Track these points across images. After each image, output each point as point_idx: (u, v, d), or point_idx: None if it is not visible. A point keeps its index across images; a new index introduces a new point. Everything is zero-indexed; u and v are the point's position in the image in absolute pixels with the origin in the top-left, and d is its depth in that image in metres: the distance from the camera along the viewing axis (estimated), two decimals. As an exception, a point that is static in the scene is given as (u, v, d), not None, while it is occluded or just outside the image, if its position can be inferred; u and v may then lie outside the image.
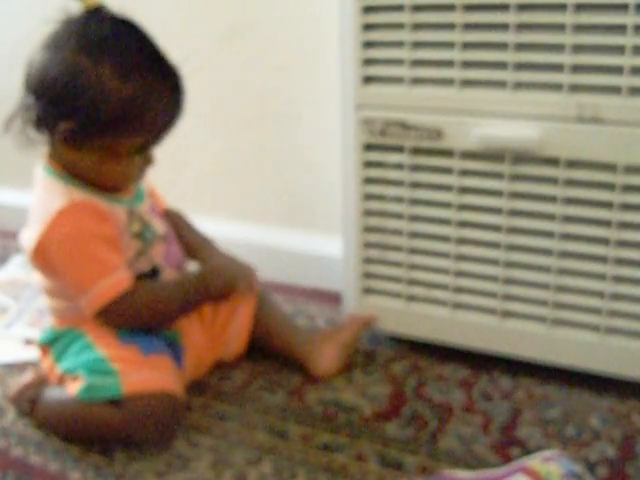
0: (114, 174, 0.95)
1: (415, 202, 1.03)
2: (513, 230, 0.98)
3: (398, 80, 0.99)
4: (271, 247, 1.37)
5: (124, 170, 0.95)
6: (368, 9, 0.98)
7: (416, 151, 1.01)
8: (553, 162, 0.93)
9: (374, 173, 1.05)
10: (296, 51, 1.27)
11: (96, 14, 0.91)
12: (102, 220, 0.94)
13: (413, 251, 1.06)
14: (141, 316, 0.96)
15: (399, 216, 1.05)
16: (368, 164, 1.05)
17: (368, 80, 1.01)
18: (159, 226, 1.03)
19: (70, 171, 0.95)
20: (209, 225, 1.19)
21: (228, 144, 1.39)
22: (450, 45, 0.95)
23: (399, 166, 1.02)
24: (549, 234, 0.96)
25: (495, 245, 1.00)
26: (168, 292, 0.98)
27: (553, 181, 0.94)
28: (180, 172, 1.39)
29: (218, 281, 1.01)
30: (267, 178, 1.37)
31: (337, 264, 1.17)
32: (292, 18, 1.25)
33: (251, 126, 1.35)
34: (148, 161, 0.97)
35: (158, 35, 0.94)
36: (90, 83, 0.88)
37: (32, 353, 1.11)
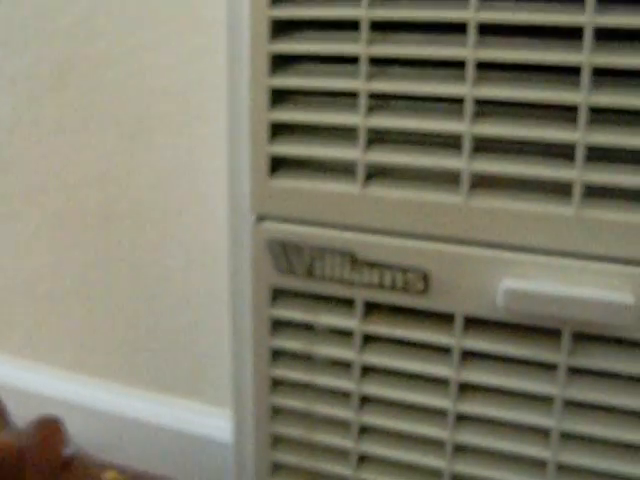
0: None
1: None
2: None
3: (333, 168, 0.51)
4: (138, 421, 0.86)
5: None
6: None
7: (378, 310, 0.52)
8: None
9: (290, 343, 0.55)
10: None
11: None
12: None
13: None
14: None
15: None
16: (277, 324, 0.55)
17: (277, 165, 0.52)
18: None
19: None
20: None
21: (56, 260, 0.86)
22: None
23: (342, 335, 0.53)
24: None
25: None
26: None
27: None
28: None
29: None
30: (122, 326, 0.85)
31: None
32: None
33: (91, 239, 0.83)
34: None
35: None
36: None
37: None
